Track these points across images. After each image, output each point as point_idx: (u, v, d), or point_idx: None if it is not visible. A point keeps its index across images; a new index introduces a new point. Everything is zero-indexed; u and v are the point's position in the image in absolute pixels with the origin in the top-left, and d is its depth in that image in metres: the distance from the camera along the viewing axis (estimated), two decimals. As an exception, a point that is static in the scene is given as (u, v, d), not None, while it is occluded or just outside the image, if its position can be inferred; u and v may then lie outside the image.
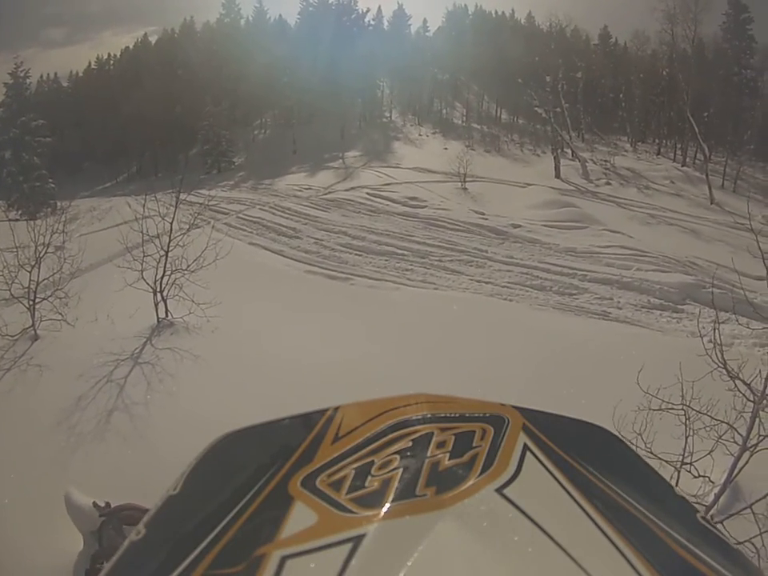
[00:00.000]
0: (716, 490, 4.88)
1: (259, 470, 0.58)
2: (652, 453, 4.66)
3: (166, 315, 9.28)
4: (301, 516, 0.52)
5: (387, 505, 0.53)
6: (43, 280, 9.43)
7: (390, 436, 0.62)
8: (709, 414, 5.11)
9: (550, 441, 0.64)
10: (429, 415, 0.66)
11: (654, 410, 5.22)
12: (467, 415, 0.67)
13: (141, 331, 8.81)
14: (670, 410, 5.21)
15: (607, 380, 6.88)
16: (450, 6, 41.54)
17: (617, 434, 0.70)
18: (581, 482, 0.58)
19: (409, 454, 0.60)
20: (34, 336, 8.85)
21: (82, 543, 4.08)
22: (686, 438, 5.00)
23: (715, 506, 4.73)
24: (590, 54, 35.97)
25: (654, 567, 0.49)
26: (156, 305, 9.21)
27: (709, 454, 4.95)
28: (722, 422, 5.06)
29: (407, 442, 0.62)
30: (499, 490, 0.55)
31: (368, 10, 40.97)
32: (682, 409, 5.14)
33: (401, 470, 0.57)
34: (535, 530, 0.51)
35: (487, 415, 0.67)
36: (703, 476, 4.96)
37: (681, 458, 4.94)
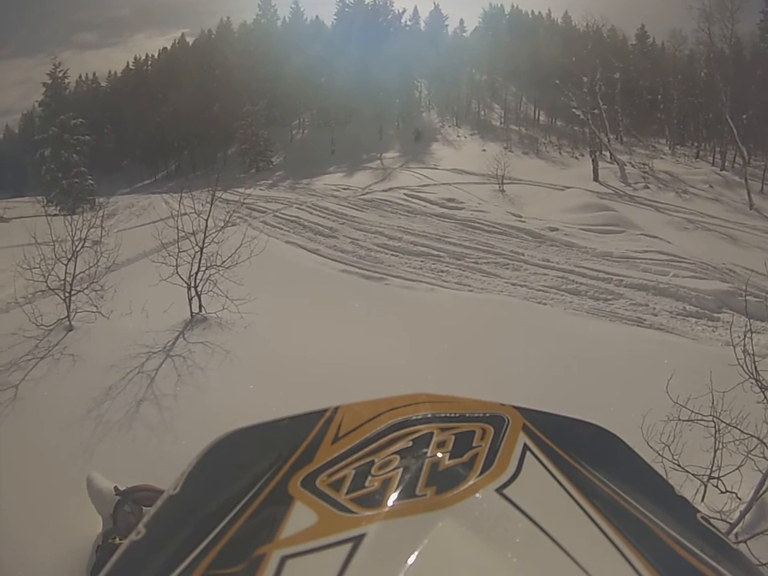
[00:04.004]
0: (742, 507, 4.64)
1: (259, 470, 0.59)
2: (679, 465, 4.54)
3: (200, 310, 9.31)
4: (301, 516, 0.53)
5: (387, 505, 0.54)
6: (79, 273, 9.52)
7: (390, 436, 0.64)
8: (738, 427, 4.88)
9: (550, 441, 0.65)
10: (429, 415, 0.67)
11: (684, 420, 5.01)
12: (467, 415, 0.68)
13: (174, 325, 8.91)
14: (700, 421, 5.00)
15: (638, 388, 6.77)
16: (486, 7, 41.43)
17: (617, 434, 0.71)
18: (581, 482, 0.60)
19: (409, 453, 0.61)
20: (69, 327, 8.92)
21: (101, 526, 4.10)
22: (715, 451, 4.82)
23: (740, 524, 4.48)
24: (627, 55, 35.52)
25: (654, 567, 0.50)
26: (190, 300, 9.28)
27: (737, 469, 4.72)
28: (752, 435, 4.81)
29: (407, 441, 0.63)
30: (499, 490, 0.57)
31: (404, 11, 41.17)
32: (712, 420, 4.92)
33: (401, 469, 0.59)
34: (535, 529, 0.53)
35: (487, 415, 0.69)
36: (730, 491, 4.70)
37: (708, 471, 4.74)
